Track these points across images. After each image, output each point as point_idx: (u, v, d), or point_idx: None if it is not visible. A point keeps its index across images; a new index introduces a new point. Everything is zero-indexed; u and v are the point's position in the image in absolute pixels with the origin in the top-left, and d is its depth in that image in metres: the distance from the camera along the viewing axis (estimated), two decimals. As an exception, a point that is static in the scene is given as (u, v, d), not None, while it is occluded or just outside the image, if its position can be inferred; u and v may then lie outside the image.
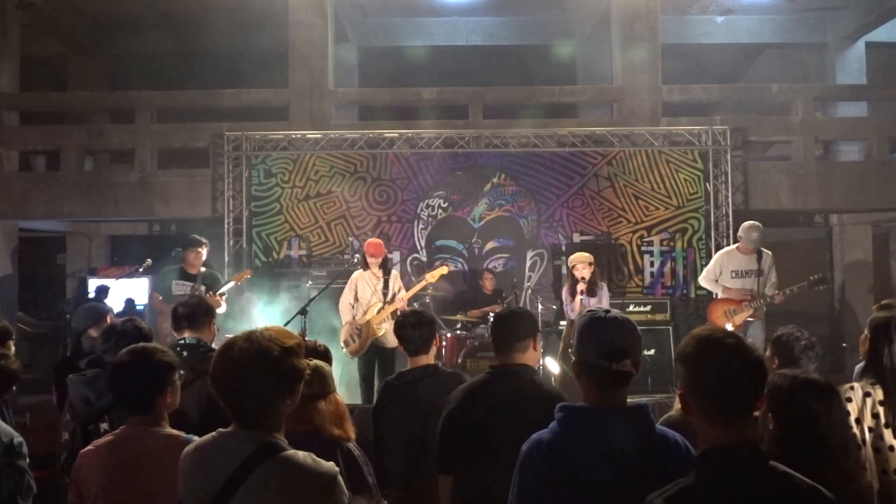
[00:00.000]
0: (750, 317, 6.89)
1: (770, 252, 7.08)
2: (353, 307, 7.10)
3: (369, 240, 7.50)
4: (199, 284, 7.09)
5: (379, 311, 7.02)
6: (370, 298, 7.08)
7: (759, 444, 1.79)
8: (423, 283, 7.36)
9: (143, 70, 12.27)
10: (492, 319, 3.19)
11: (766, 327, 6.95)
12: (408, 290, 7.27)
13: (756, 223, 7.06)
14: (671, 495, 1.76)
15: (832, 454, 2.32)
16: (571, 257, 7.32)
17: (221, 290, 7.12)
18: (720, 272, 7.10)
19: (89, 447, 2.61)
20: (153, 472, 2.50)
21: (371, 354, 7.01)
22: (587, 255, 7.17)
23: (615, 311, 2.23)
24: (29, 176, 10.92)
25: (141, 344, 2.79)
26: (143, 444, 2.56)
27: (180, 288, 7.10)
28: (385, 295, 7.09)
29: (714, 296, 7.38)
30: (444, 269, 7.40)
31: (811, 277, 6.91)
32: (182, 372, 2.80)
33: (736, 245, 7.26)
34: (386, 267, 7.21)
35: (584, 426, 2.10)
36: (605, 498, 2.02)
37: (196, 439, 2.49)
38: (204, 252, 7.32)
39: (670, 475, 1.83)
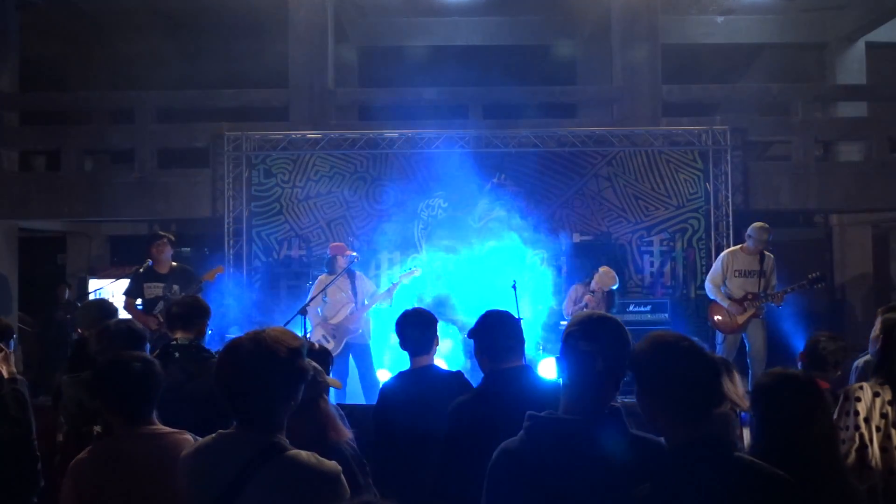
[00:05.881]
0: (752, 316, 7.01)
1: (772, 255, 7.21)
2: (319, 312, 7.40)
3: (334, 243, 7.87)
4: (172, 284, 6.69)
5: (352, 312, 7.30)
6: (340, 299, 7.36)
7: (721, 438, 1.86)
8: (396, 284, 7.66)
9: (143, 70, 12.25)
10: (479, 322, 3.07)
11: (765, 326, 7.16)
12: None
13: (766, 225, 7.27)
14: (648, 493, 1.81)
15: (814, 451, 2.32)
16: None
17: (196, 289, 6.66)
18: (726, 271, 7.21)
19: (82, 454, 2.58)
20: (151, 471, 2.48)
21: (345, 353, 7.27)
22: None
23: (603, 312, 2.29)
24: (29, 176, 10.92)
25: (141, 354, 2.77)
26: (140, 445, 2.54)
27: (152, 290, 6.72)
28: (355, 295, 7.38)
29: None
30: (416, 272, 7.70)
31: (809, 276, 7.08)
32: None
33: (740, 245, 7.42)
34: (350, 268, 7.45)
35: (550, 437, 2.03)
36: None
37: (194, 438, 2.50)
38: (168, 245, 6.86)
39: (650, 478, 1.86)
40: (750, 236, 7.22)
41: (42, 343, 10.54)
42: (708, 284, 7.41)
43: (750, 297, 7.09)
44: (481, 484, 2.46)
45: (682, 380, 1.84)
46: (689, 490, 1.77)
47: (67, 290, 11.28)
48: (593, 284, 7.57)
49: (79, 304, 10.72)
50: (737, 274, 7.20)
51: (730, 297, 7.18)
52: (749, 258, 7.19)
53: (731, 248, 7.59)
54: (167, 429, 2.60)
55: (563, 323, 7.61)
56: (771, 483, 1.79)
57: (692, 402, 1.85)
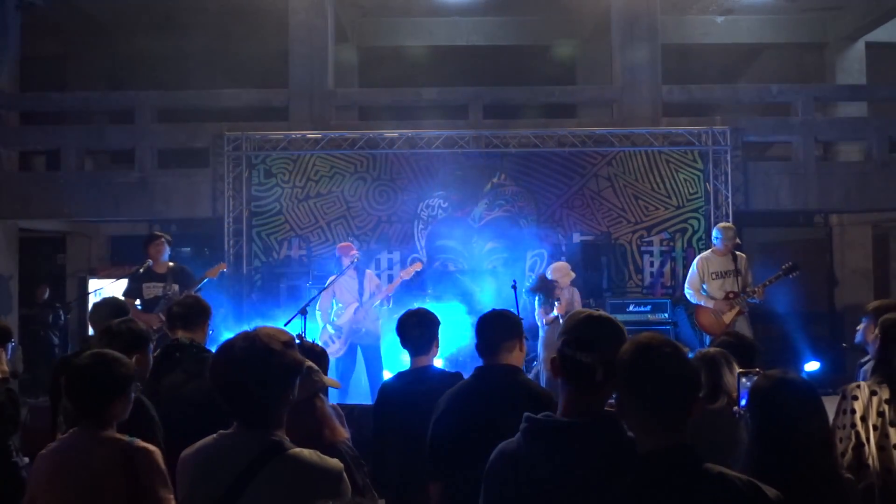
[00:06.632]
0: (738, 314, 7.10)
1: (744, 255, 7.31)
2: (329, 311, 7.44)
3: (341, 244, 7.91)
4: (171, 283, 6.66)
5: (356, 311, 7.34)
6: (347, 300, 7.40)
7: (693, 447, 1.83)
8: (397, 280, 7.76)
9: (143, 70, 12.25)
10: (477, 320, 3.12)
11: (750, 323, 7.25)
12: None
13: (730, 224, 7.60)
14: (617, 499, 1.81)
15: (811, 454, 2.33)
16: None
17: (198, 287, 6.67)
18: (703, 275, 7.27)
19: (41, 452, 2.59)
20: (98, 476, 2.50)
21: (352, 352, 7.30)
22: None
23: (601, 311, 2.18)
24: (29, 176, 10.91)
25: (103, 351, 2.78)
26: (89, 448, 2.55)
27: (151, 290, 6.69)
28: (361, 294, 7.40)
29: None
30: (417, 266, 7.76)
31: (783, 266, 7.15)
32: (139, 385, 2.86)
33: (711, 249, 7.56)
34: (358, 267, 7.47)
35: (547, 440, 2.01)
36: None
37: (139, 442, 2.55)
38: (165, 244, 6.84)
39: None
40: (718, 238, 7.35)
41: (22, 344, 10.53)
42: (688, 290, 7.44)
43: (732, 295, 7.15)
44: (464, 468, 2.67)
45: (662, 385, 1.82)
46: (656, 499, 1.76)
47: (47, 291, 11.28)
48: (556, 289, 7.28)
49: (58, 305, 10.84)
50: (714, 276, 7.27)
51: (713, 298, 7.24)
52: (722, 259, 7.28)
53: (703, 254, 7.67)
54: (112, 434, 2.60)
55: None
56: (739, 494, 1.77)
57: (668, 409, 1.82)
